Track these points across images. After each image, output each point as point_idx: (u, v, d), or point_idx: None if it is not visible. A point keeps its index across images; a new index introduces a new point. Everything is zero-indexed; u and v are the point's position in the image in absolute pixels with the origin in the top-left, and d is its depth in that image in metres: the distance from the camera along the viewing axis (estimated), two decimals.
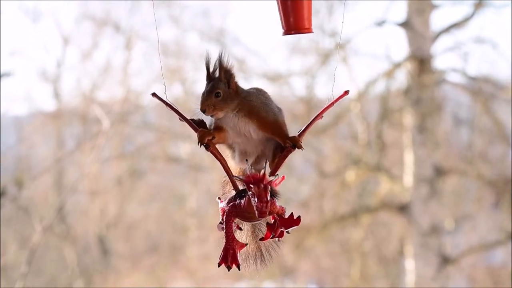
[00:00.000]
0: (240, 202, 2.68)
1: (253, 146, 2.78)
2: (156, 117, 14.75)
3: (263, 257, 2.84)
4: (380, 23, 11.42)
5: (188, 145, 14.17)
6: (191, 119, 2.76)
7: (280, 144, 2.76)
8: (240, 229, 2.78)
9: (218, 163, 2.74)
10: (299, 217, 2.71)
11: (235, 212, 2.68)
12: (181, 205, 15.02)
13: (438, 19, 12.89)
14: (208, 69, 2.71)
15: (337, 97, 2.80)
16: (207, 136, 2.71)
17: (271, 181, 2.62)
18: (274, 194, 2.74)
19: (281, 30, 2.81)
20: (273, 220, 2.72)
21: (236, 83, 2.72)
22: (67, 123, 14.52)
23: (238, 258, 2.66)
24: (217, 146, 2.75)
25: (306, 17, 2.78)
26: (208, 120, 2.77)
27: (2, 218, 11.62)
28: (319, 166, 12.55)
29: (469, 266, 12.87)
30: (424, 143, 11.22)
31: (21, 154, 15.04)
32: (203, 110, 2.68)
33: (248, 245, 2.79)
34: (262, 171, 2.60)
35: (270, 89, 2.87)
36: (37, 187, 13.93)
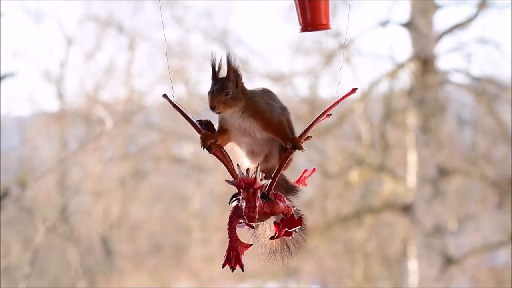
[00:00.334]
0: (242, 204, 2.68)
1: (259, 146, 2.79)
2: (160, 117, 14.75)
3: (290, 250, 2.85)
4: (384, 24, 11.42)
5: (191, 146, 14.16)
6: (198, 120, 2.76)
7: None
8: (252, 227, 2.77)
9: (222, 164, 2.75)
10: (300, 217, 2.72)
11: (238, 213, 2.68)
12: (184, 206, 15.01)
13: (441, 20, 12.89)
14: (214, 68, 2.71)
15: (344, 94, 2.79)
16: (210, 139, 2.72)
17: (262, 185, 2.61)
18: (292, 190, 2.81)
19: (298, 27, 2.80)
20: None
21: (243, 83, 2.73)
22: (71, 124, 14.52)
23: (242, 259, 2.66)
24: (228, 145, 2.76)
25: (323, 12, 2.76)
26: (215, 121, 2.77)
27: (6, 219, 11.62)
28: (323, 167, 12.54)
29: (472, 266, 12.85)
30: (427, 144, 11.21)
31: (25, 155, 15.05)
32: (213, 107, 2.67)
33: (273, 241, 2.80)
34: (253, 176, 2.59)
35: (273, 90, 2.86)
36: (41, 187, 13.94)
